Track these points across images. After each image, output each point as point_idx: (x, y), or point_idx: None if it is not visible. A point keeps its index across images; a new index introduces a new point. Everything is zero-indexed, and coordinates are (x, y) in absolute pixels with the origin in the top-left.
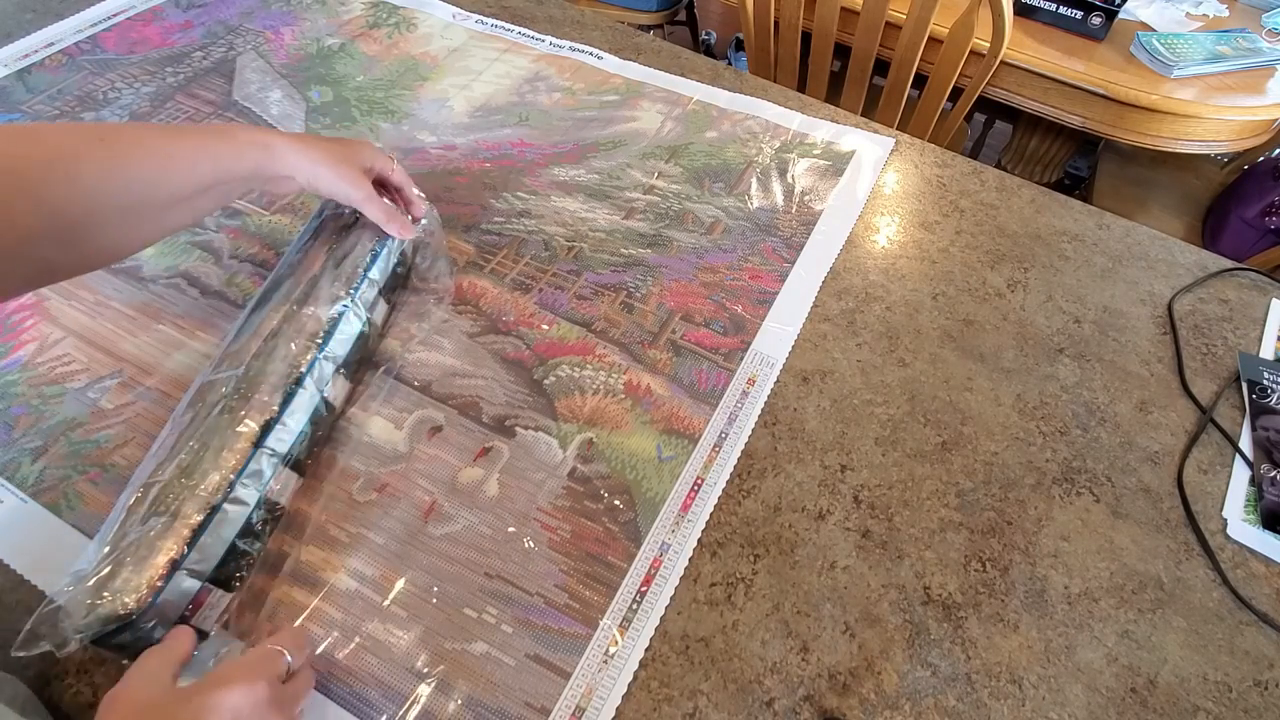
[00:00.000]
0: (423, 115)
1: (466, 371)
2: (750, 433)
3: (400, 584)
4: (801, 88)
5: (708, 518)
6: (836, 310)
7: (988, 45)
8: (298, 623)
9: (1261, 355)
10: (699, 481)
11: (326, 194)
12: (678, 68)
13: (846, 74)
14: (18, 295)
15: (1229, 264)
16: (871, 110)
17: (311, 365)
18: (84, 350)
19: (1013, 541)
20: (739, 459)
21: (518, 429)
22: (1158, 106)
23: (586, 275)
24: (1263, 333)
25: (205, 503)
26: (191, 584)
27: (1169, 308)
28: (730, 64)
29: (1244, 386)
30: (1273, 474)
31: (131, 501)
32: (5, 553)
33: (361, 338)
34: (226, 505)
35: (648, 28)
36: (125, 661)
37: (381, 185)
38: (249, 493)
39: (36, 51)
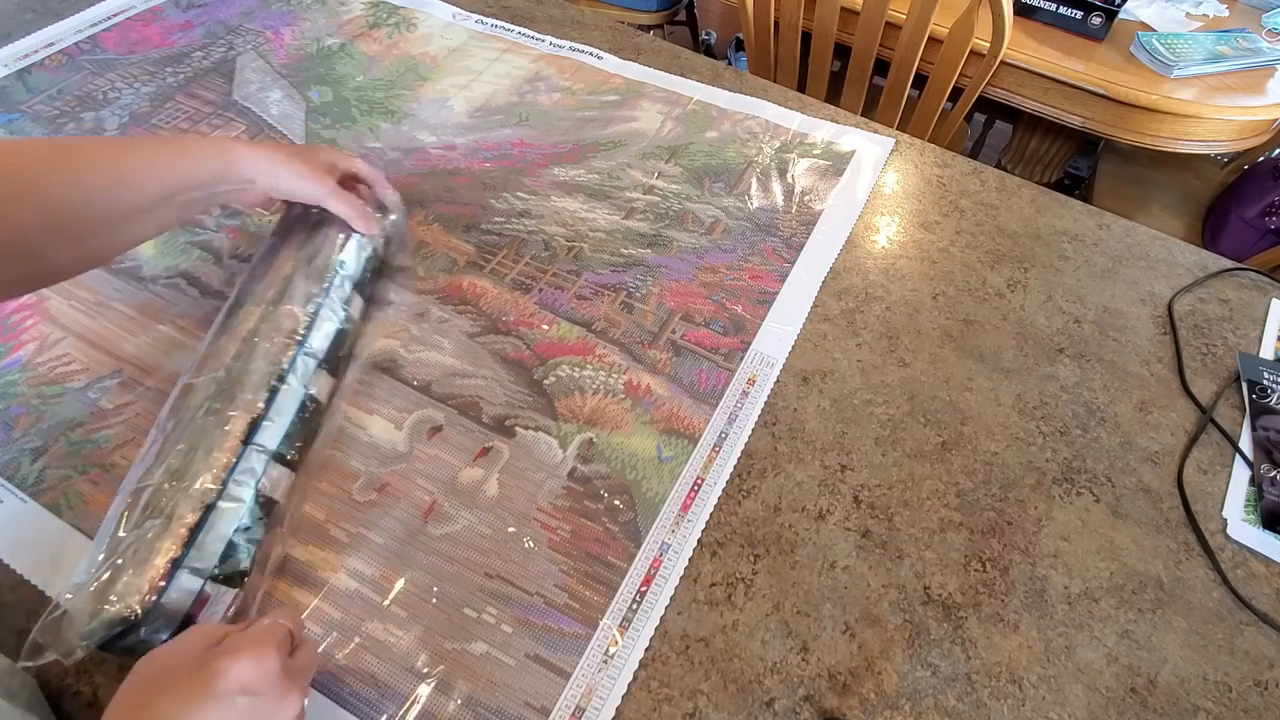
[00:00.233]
0: (423, 115)
1: (466, 371)
2: (750, 433)
3: (400, 584)
4: (801, 88)
5: (708, 518)
6: (836, 310)
7: (988, 45)
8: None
9: (1261, 355)
10: (699, 481)
11: (289, 194)
12: (678, 68)
13: (846, 74)
14: None
15: (1229, 264)
16: (871, 110)
17: (293, 362)
18: (84, 350)
19: (1013, 541)
20: (739, 459)
21: (518, 429)
22: (1158, 106)
23: (586, 275)
24: (1263, 333)
25: (199, 502)
26: (194, 582)
27: (1169, 308)
28: (730, 64)
29: (1244, 386)
30: (1273, 474)
31: (124, 508)
32: (5, 553)
33: (340, 333)
34: (221, 503)
35: (648, 28)
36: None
37: (352, 184)
38: (243, 489)
39: (36, 51)
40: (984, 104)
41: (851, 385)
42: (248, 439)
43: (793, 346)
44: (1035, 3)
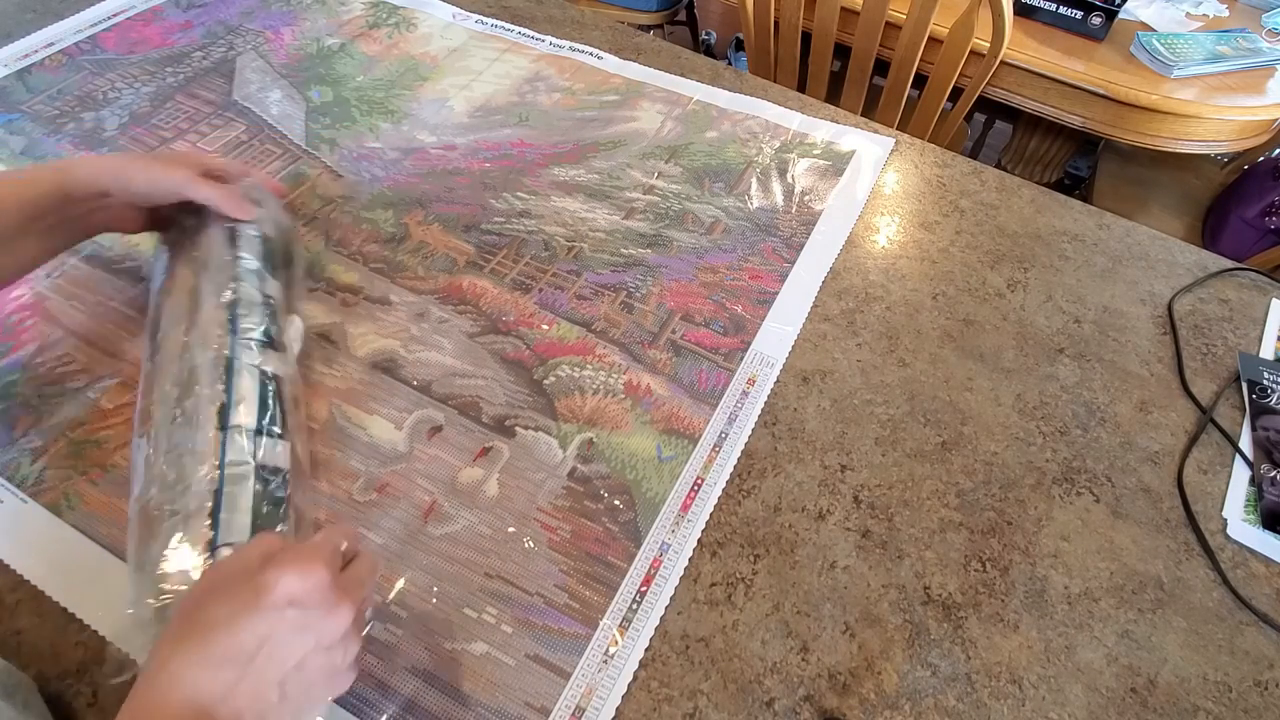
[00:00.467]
0: (423, 115)
1: (466, 371)
2: (750, 433)
3: (400, 584)
4: (801, 88)
5: (708, 518)
6: (836, 310)
7: (988, 45)
8: None
9: (1261, 355)
10: (699, 481)
11: (146, 194)
12: (678, 68)
13: (846, 74)
14: None
15: (1229, 264)
16: (871, 110)
17: (234, 349)
18: (84, 350)
19: (1013, 541)
20: (739, 459)
21: (518, 429)
22: (1158, 106)
23: (586, 275)
24: (1263, 333)
25: (207, 491)
26: None
27: (1169, 308)
28: (730, 64)
29: (1244, 386)
30: (1273, 474)
31: (137, 527)
32: (5, 553)
33: (267, 313)
34: (228, 487)
35: (648, 28)
36: None
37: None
38: (243, 467)
39: (36, 51)
40: (984, 104)
41: (851, 385)
42: (224, 425)
43: (793, 346)
44: (1035, 3)
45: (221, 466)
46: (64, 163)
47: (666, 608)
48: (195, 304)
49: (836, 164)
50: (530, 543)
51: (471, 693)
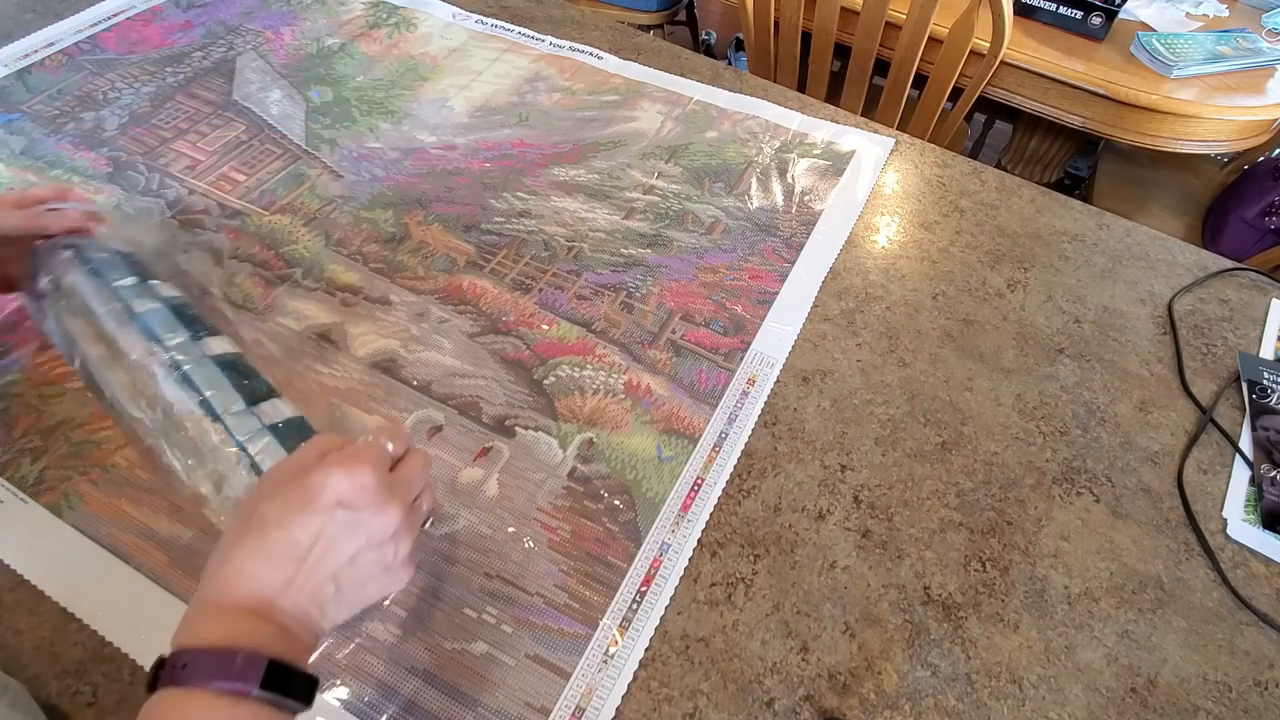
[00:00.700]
0: (423, 115)
1: (466, 371)
2: (750, 433)
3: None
4: (801, 88)
5: (708, 518)
6: (836, 310)
7: (988, 45)
8: None
9: (1261, 355)
10: (699, 481)
11: None
12: (678, 68)
13: (846, 74)
14: None
15: (1229, 264)
16: (871, 110)
17: (173, 359)
18: None
19: (1013, 541)
20: (739, 459)
21: (518, 429)
22: (1158, 106)
23: (586, 275)
24: (1263, 333)
25: (233, 460)
26: None
27: (1169, 308)
28: (730, 64)
29: (1244, 386)
30: (1273, 474)
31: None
32: (5, 553)
33: (180, 312)
34: (256, 456)
35: (648, 28)
36: None
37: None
38: (260, 436)
39: (36, 51)
40: (984, 104)
41: (851, 385)
42: (216, 418)
43: (793, 346)
44: (1035, 3)
45: (239, 445)
46: None
47: (666, 608)
48: (111, 347)
49: (836, 164)
50: (530, 543)
51: (471, 693)
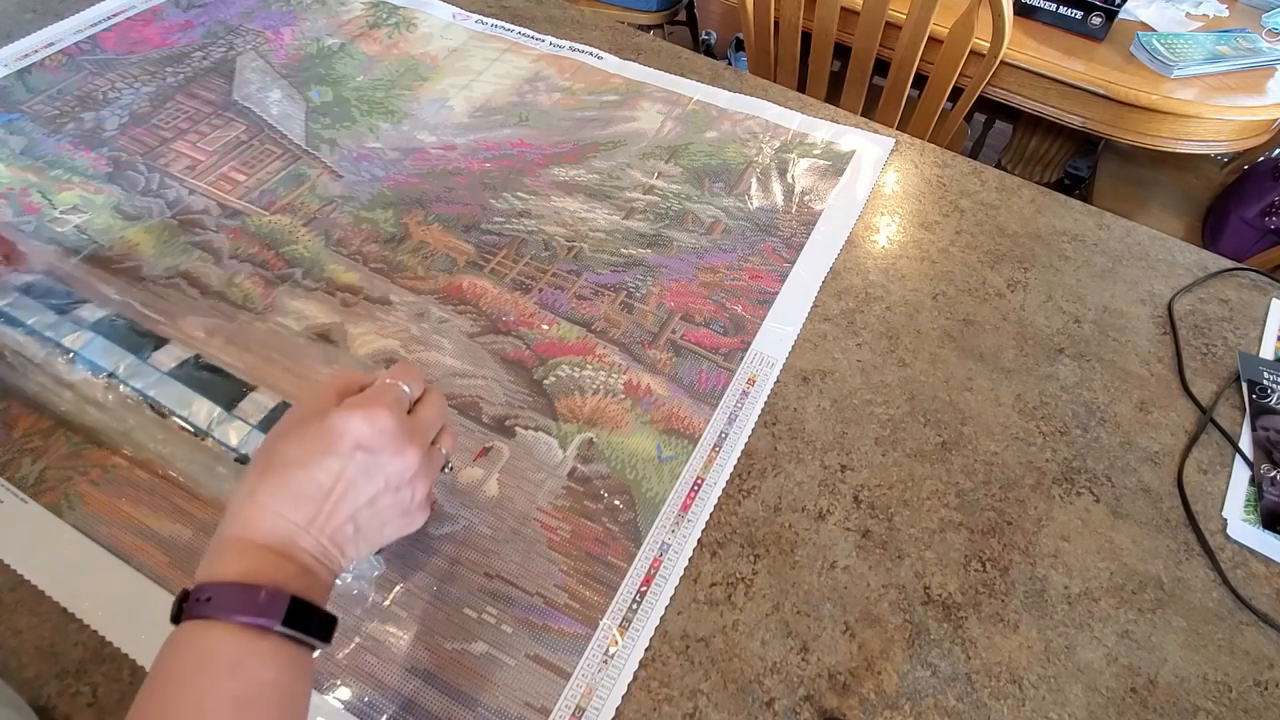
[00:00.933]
0: (423, 115)
1: (466, 371)
2: (750, 433)
3: (400, 584)
4: (801, 88)
5: (708, 518)
6: (836, 310)
7: (988, 45)
8: None
9: (1261, 355)
10: (699, 481)
11: None
12: (678, 68)
13: (846, 74)
14: None
15: (1229, 264)
16: (871, 110)
17: (133, 387)
18: None
19: (1013, 541)
20: (739, 459)
21: (518, 429)
22: (1158, 106)
23: (586, 275)
24: (1263, 333)
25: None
26: None
27: (1169, 308)
28: (730, 64)
29: (1244, 386)
30: (1273, 474)
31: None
32: (5, 553)
33: (113, 333)
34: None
35: (648, 28)
36: None
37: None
38: (254, 436)
39: (36, 51)
40: (984, 104)
41: (851, 385)
42: (202, 434)
43: (793, 346)
44: (1035, 3)
45: (239, 458)
46: None
47: (666, 608)
48: (78, 393)
49: (836, 164)
50: (530, 543)
51: (471, 693)
